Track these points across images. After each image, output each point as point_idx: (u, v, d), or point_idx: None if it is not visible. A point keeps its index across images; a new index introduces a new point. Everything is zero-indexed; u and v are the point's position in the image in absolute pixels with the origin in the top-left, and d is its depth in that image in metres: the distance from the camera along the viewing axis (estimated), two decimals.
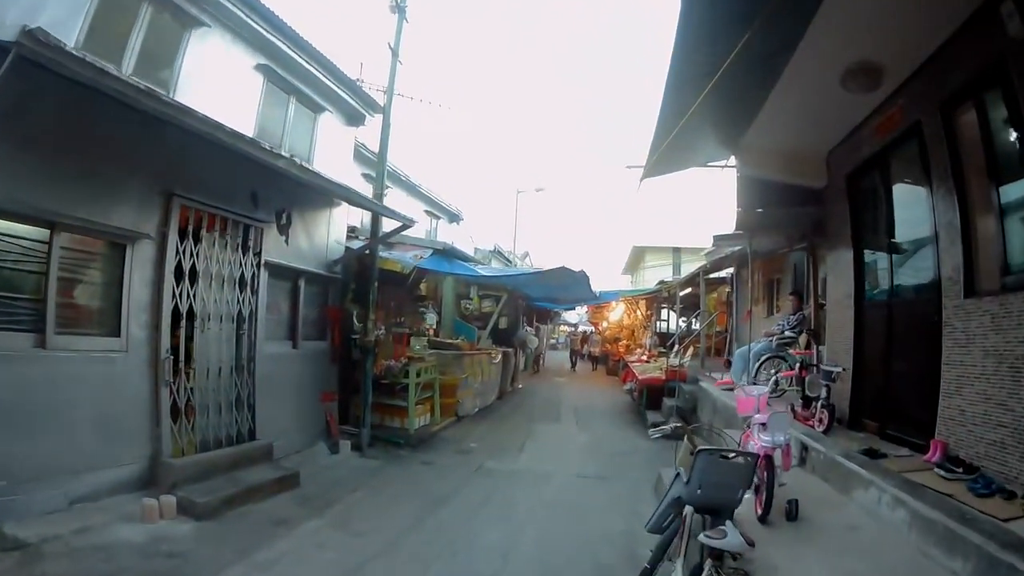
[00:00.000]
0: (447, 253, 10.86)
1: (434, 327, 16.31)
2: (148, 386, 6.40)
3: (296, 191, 8.43)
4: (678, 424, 4.49)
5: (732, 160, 8.93)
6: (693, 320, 21.86)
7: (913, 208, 6.24)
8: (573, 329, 27.99)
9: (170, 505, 5.80)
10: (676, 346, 16.77)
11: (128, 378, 6.21)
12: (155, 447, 6.38)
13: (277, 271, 8.44)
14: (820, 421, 6.77)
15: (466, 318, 17.85)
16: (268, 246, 8.15)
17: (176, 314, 6.76)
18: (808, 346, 9.48)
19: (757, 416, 5.24)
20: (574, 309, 34.53)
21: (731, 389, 9.88)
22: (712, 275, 17.88)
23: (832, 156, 8.03)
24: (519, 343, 19.11)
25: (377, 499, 7.06)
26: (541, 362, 30.52)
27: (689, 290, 20.58)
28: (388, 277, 10.60)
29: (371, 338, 9.52)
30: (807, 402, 7.32)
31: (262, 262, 7.99)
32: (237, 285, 7.63)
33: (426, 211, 20.26)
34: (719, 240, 9.95)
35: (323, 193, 8.93)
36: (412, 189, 18.66)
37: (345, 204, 9.96)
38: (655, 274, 29.95)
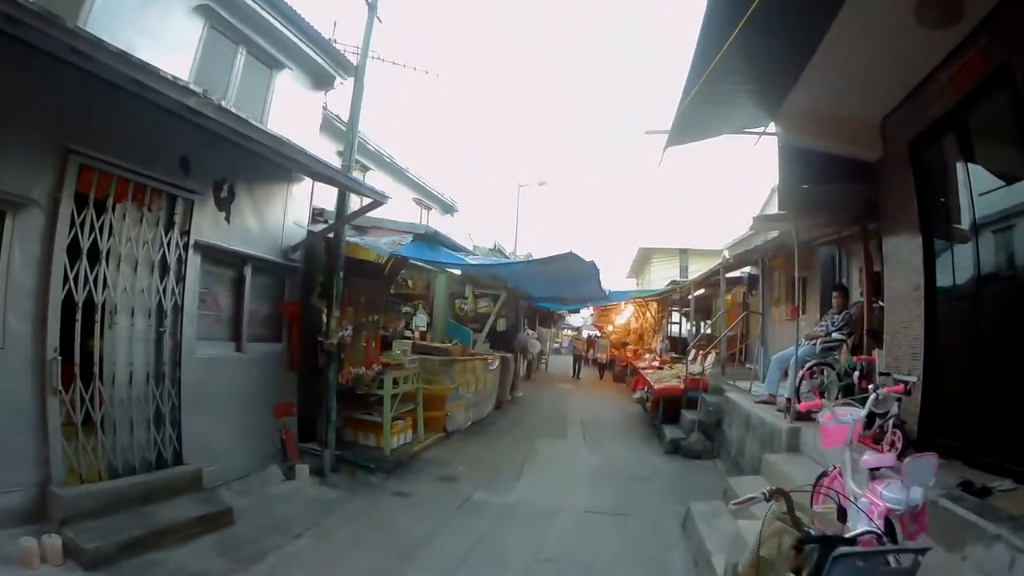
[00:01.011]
0: (430, 239, 9.29)
1: (424, 329, 14.92)
2: (31, 394, 4.95)
3: (242, 158, 6.92)
4: (769, 491, 2.53)
5: (771, 127, 7.58)
6: (704, 324, 20.47)
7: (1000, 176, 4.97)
8: (576, 333, 26.23)
9: (55, 548, 4.49)
10: (692, 351, 15.26)
11: (5, 383, 4.79)
12: (43, 472, 4.95)
13: (214, 255, 6.93)
14: (892, 445, 5.18)
15: (461, 320, 16.33)
16: (202, 224, 6.61)
17: (71, 303, 5.27)
18: (858, 350, 8.10)
19: (868, 459, 3.65)
20: (579, 311, 33.04)
21: (766, 402, 8.48)
22: (727, 275, 16.47)
23: (889, 122, 6.63)
24: (519, 347, 17.58)
25: (326, 547, 5.53)
26: (544, 367, 29.16)
27: (703, 291, 19.13)
28: (359, 267, 9.10)
29: (334, 340, 8.00)
30: (870, 420, 5.77)
31: (191, 242, 6.42)
32: (157, 270, 6.10)
33: (415, 199, 18.75)
34: (761, 223, 8.44)
35: (276, 163, 7.38)
36: (398, 173, 17.07)
37: (308, 181, 8.53)
38: (662, 277, 28.68)
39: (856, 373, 7.22)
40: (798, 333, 7.93)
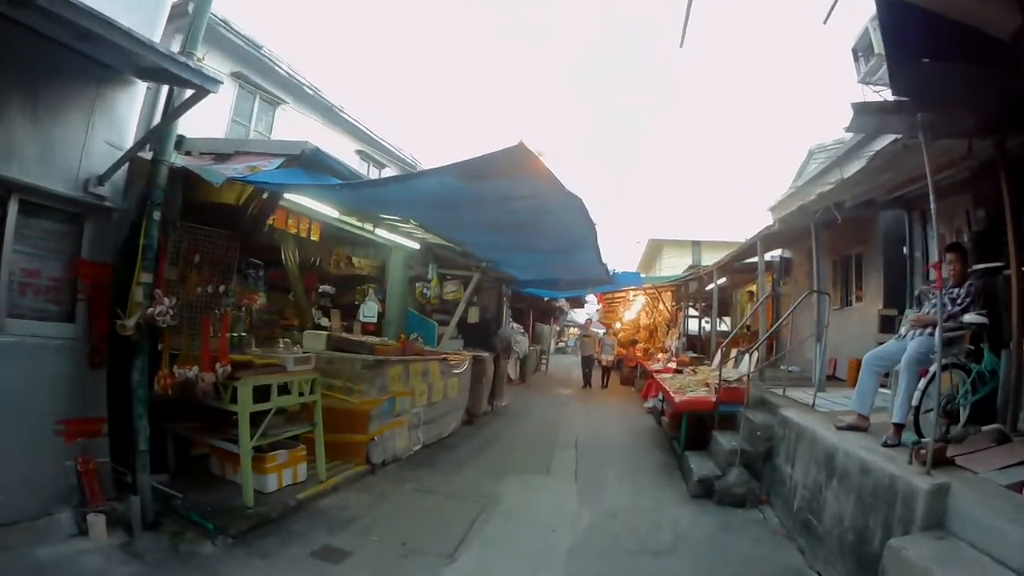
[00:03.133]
0: (309, 162, 6.05)
1: (374, 321, 11.95)
2: None
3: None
4: None
5: None
6: (720, 320, 18.20)
7: None
8: (584, 329, 23.04)
9: None
10: (719, 351, 12.29)
11: None
12: None
13: None
14: None
15: (424, 309, 13.41)
16: None
17: None
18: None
19: None
20: (583, 303, 29.97)
21: (855, 428, 5.74)
22: (746, 260, 14.05)
23: None
24: (501, 345, 14.48)
25: None
26: (544, 369, 26.73)
27: (724, 280, 16.18)
28: (206, 212, 6.18)
29: (130, 322, 5.06)
30: None
31: None
32: None
33: (358, 152, 15.69)
34: (862, 113, 5.32)
35: (71, 50, 4.53)
36: (331, 114, 13.90)
37: (139, 87, 5.87)
38: (674, 271, 25.92)
39: None
40: (943, 320, 4.87)
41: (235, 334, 7.18)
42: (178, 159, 5.88)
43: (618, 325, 30.70)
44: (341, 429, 7.52)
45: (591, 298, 27.93)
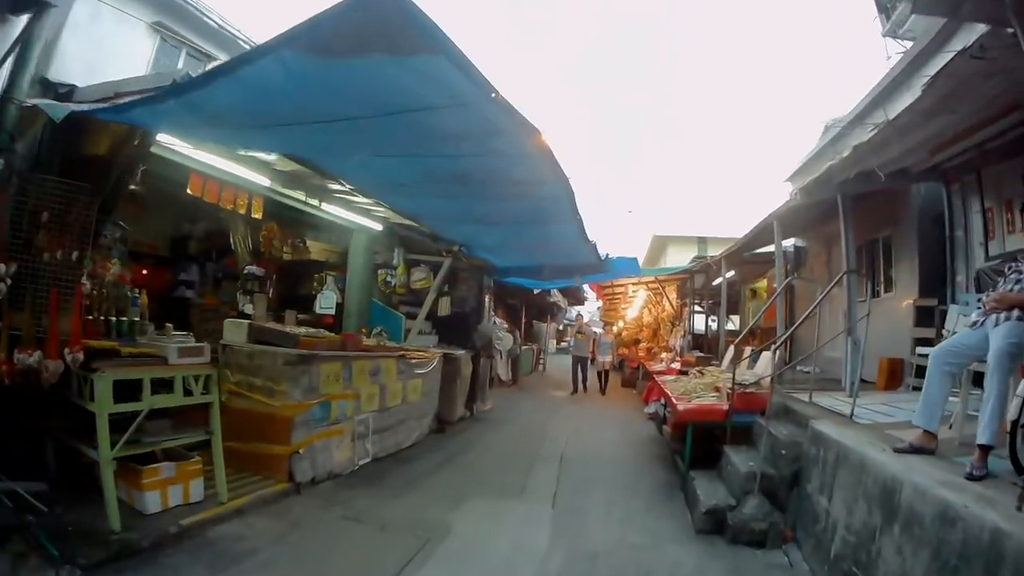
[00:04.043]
0: (182, 92, 4.57)
1: (331, 313, 10.57)
2: None
3: None
4: None
5: None
6: (728, 318, 16.55)
7: None
8: (578, 326, 21.20)
9: None
10: (731, 350, 10.92)
11: None
12: None
13: None
14: None
15: (390, 299, 11.98)
16: None
17: None
18: None
19: None
20: (583, 300, 28.54)
21: (921, 450, 4.39)
22: (758, 251, 13.05)
23: None
24: (482, 342, 12.97)
25: None
26: (542, 369, 25.62)
27: (732, 273, 14.80)
28: (83, 165, 4.77)
29: None
30: None
31: None
32: None
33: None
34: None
35: None
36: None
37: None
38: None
39: None
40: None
41: (123, 318, 5.81)
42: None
43: (621, 324, 29.16)
44: (260, 438, 6.38)
45: (591, 295, 26.46)
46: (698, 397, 7.90)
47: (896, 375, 8.60)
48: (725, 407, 7.19)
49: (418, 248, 11.95)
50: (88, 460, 4.90)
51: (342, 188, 7.87)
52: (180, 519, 4.98)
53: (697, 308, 19.69)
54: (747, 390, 7.22)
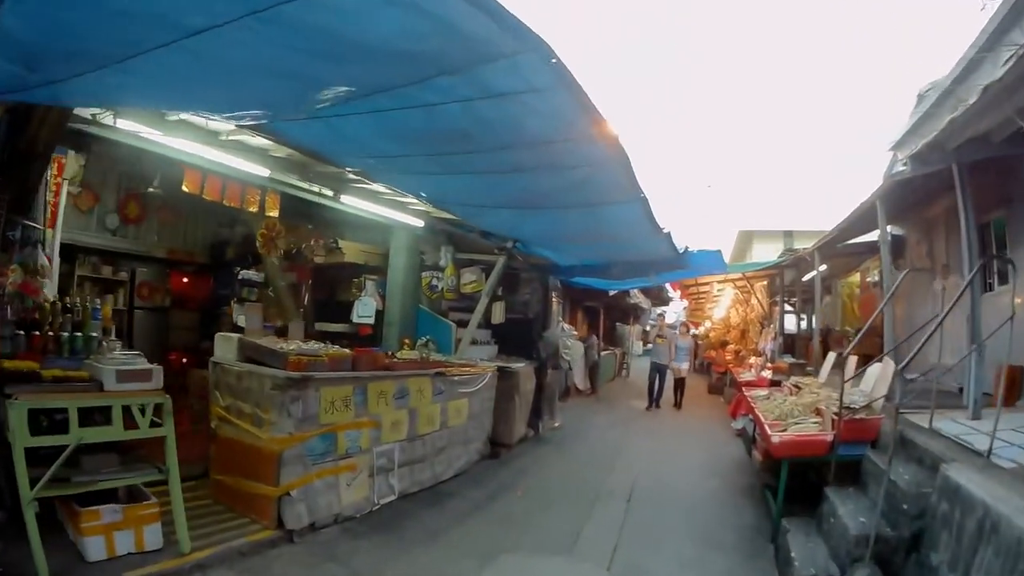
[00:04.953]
0: None
1: (370, 322, 9.60)
2: None
3: None
4: None
5: None
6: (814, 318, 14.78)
7: None
8: (658, 328, 19.14)
9: None
10: (828, 359, 9.42)
11: None
12: None
13: None
14: None
15: (436, 306, 10.92)
16: None
17: None
18: None
19: None
20: (668, 301, 26.85)
21: None
22: (853, 240, 11.48)
23: None
24: (547, 351, 11.68)
25: None
26: (625, 375, 24.31)
27: (824, 267, 13.08)
28: None
29: None
30: None
31: None
32: None
33: None
34: None
35: None
36: None
37: None
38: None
39: None
40: None
41: (78, 334, 4.98)
42: None
43: (707, 324, 27.50)
44: (247, 474, 5.50)
45: (676, 294, 24.82)
46: (796, 423, 6.41)
47: (1016, 386, 6.87)
48: (829, 438, 5.72)
49: (468, 246, 10.82)
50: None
51: (356, 177, 6.82)
52: (125, 570, 4.23)
53: (787, 307, 17.85)
54: (857, 417, 5.72)
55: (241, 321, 8.25)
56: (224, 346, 6.07)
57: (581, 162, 5.23)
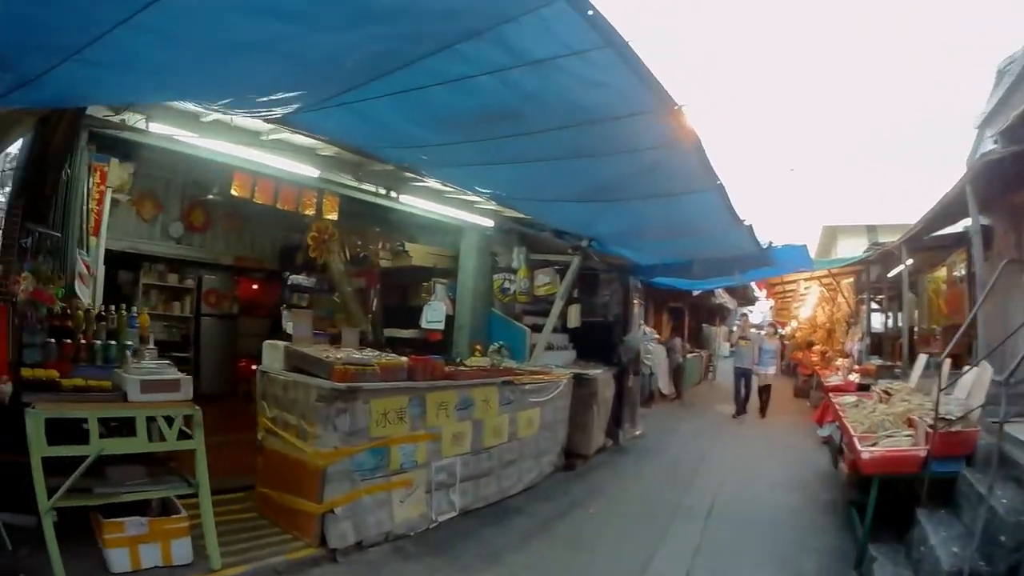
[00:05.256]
0: None
1: (440, 328, 9.30)
2: None
3: None
4: None
5: None
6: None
7: None
8: (741, 330, 17.86)
9: None
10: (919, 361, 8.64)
11: None
12: None
13: None
14: None
15: (510, 310, 10.47)
16: None
17: None
18: None
19: None
20: (754, 300, 25.77)
21: None
22: (938, 233, 10.36)
23: None
24: (628, 356, 11.08)
25: None
26: (712, 376, 23.63)
27: (911, 261, 11.87)
28: None
29: None
30: None
31: None
32: None
33: None
34: None
35: None
36: None
37: None
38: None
39: None
40: None
41: (110, 342, 4.89)
42: None
43: (793, 324, 26.34)
44: (291, 489, 5.20)
45: (761, 294, 23.77)
46: (887, 435, 5.71)
47: None
48: (922, 453, 5.04)
49: (542, 247, 10.39)
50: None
51: (412, 175, 6.49)
52: None
53: (873, 305, 16.66)
54: (953, 429, 5.00)
55: (289, 328, 8.05)
56: (271, 354, 5.80)
57: (648, 144, 4.71)
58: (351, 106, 4.30)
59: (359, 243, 10.29)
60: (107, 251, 6.23)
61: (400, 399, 5.57)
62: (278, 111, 4.60)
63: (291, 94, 4.19)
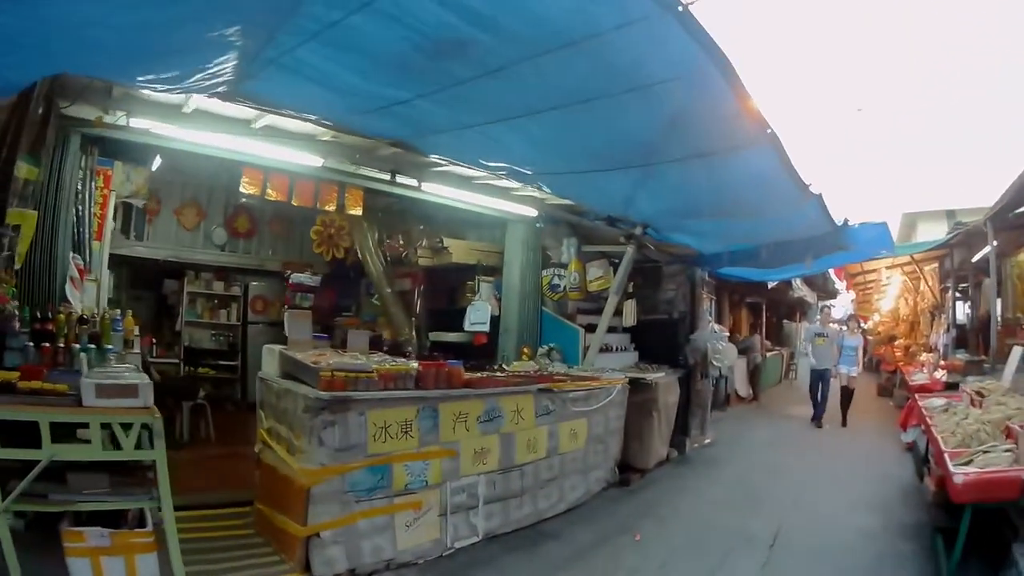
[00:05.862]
0: None
1: (484, 330, 8.86)
2: None
3: None
4: None
5: None
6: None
7: None
8: (820, 324, 15.97)
9: None
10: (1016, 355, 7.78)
11: None
12: None
13: None
14: None
15: (564, 308, 9.79)
16: None
17: None
18: None
19: None
20: (835, 294, 24.36)
21: None
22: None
23: None
24: (695, 356, 10.42)
25: None
26: (793, 377, 22.54)
27: (996, 243, 10.65)
28: None
29: None
30: None
31: None
32: None
33: None
34: None
35: None
36: None
37: None
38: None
39: None
40: None
41: (90, 346, 4.82)
42: None
43: (876, 317, 25.21)
44: (279, 507, 4.82)
45: (841, 285, 22.30)
46: (983, 452, 4.82)
47: None
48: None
49: (594, 237, 9.69)
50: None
51: (432, 161, 5.98)
52: None
53: (957, 294, 15.18)
54: None
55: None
56: (268, 360, 5.41)
57: (659, 74, 3.75)
58: (280, 63, 3.78)
59: (400, 242, 9.88)
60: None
61: (405, 410, 5.03)
62: (213, 82, 4.17)
63: (212, 56, 3.77)
